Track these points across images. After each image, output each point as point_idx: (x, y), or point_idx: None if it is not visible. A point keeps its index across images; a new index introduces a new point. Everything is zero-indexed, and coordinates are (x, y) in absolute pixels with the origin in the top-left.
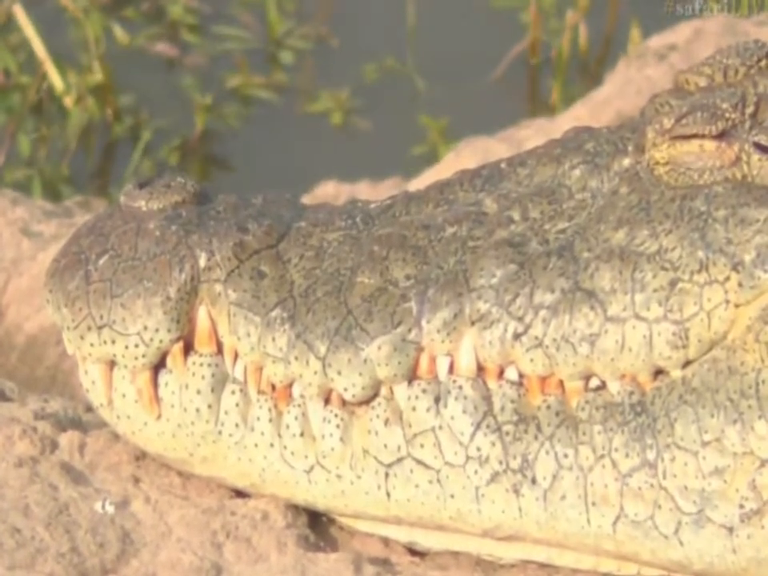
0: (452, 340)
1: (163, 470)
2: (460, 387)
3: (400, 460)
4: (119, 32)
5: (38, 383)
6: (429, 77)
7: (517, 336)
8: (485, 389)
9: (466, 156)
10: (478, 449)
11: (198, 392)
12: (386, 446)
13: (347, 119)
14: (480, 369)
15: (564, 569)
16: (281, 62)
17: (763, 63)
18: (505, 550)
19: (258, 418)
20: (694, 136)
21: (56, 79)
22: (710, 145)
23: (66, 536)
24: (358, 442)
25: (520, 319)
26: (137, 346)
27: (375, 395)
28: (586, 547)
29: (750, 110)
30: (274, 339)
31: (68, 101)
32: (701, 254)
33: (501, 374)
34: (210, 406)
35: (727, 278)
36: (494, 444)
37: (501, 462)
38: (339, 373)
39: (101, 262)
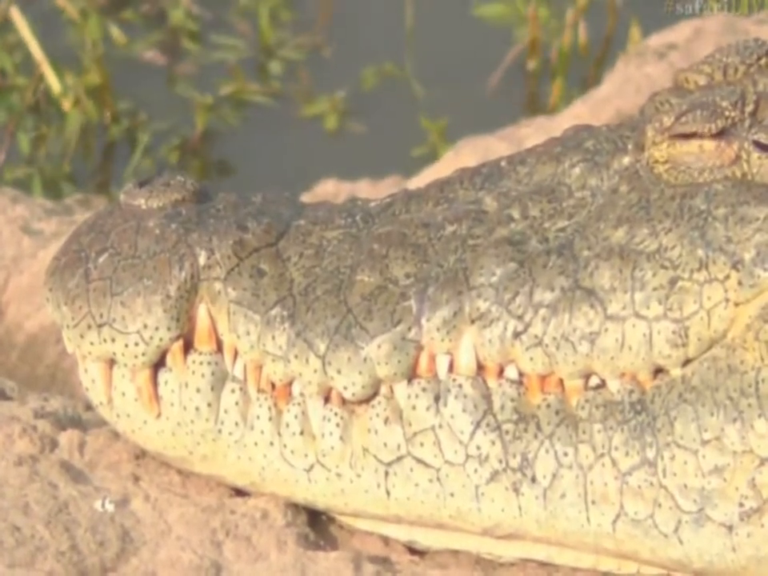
0: (452, 338)
1: (163, 469)
2: (460, 386)
3: (400, 459)
4: (116, 33)
5: (37, 382)
6: (427, 81)
7: (517, 334)
8: (485, 387)
9: (466, 154)
10: (478, 447)
11: (198, 390)
12: (385, 444)
13: (344, 122)
14: (480, 367)
15: (564, 567)
16: (270, 72)
17: (763, 62)
18: (504, 549)
19: (258, 417)
20: (694, 134)
21: (53, 81)
22: (709, 145)
23: (66, 534)
24: (357, 441)
25: (520, 318)
26: (136, 344)
27: (375, 394)
28: (586, 546)
29: (749, 108)
30: (273, 337)
31: (65, 103)
32: (701, 252)
33: (501, 372)
34: (209, 405)
35: (727, 277)
36: (493, 443)
37: (500, 461)
38: (339, 371)
39: (101, 260)
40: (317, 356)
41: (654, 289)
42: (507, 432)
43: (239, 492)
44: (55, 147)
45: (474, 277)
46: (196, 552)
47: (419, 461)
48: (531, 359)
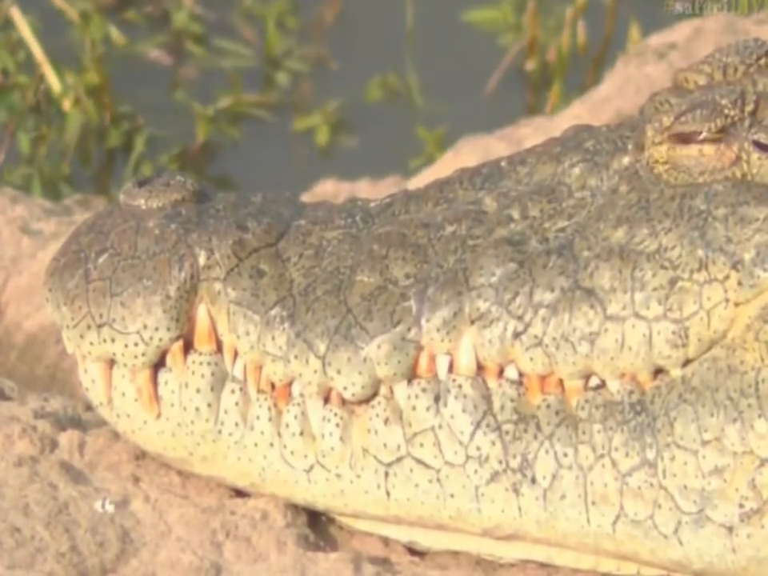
0: (452, 339)
1: (163, 469)
2: (460, 386)
3: (400, 459)
4: (116, 34)
5: (37, 382)
6: (425, 87)
7: (516, 335)
8: (484, 388)
9: (466, 154)
10: (478, 448)
11: (198, 391)
12: (385, 445)
13: (337, 134)
14: (480, 368)
15: (564, 568)
16: (276, 83)
17: (763, 62)
18: (504, 550)
19: (258, 417)
20: (694, 133)
21: (54, 81)
22: (709, 149)
23: (66, 535)
24: (357, 441)
25: (520, 318)
26: (136, 344)
27: (375, 394)
28: (586, 547)
29: (749, 107)
30: (273, 338)
31: (66, 103)
32: (700, 252)
33: (500, 372)
34: (209, 405)
35: (727, 277)
36: (493, 443)
37: (500, 462)
38: (339, 372)
39: (100, 260)
40: (317, 356)
41: (654, 289)
42: (507, 432)
43: (239, 493)
44: (55, 147)
45: (473, 277)
46: (196, 553)
47: (419, 461)
48: (531, 359)
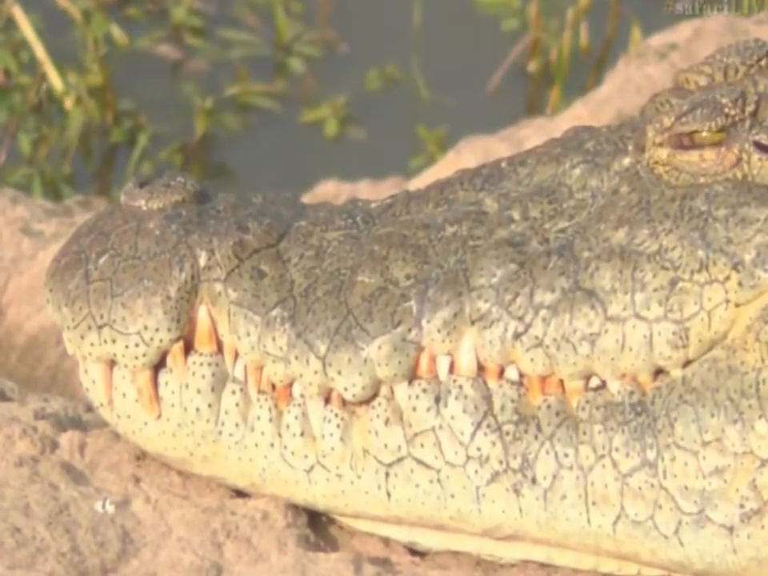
0: (452, 340)
1: (163, 470)
2: (460, 387)
3: (400, 460)
4: (119, 34)
5: (38, 383)
6: (429, 85)
7: (517, 335)
8: (485, 388)
9: (466, 155)
10: (479, 448)
11: (199, 391)
12: (386, 445)
13: (344, 127)
14: (480, 368)
15: (564, 569)
16: (290, 69)
17: (763, 62)
18: (505, 550)
19: (259, 418)
20: (695, 132)
21: (56, 80)
22: (710, 154)
23: (67, 535)
24: (358, 442)
25: (520, 319)
26: (137, 345)
27: (375, 395)
28: (587, 547)
29: (750, 108)
30: (274, 338)
31: (68, 102)
32: (701, 253)
33: (501, 373)
34: (210, 406)
35: (727, 278)
36: (494, 444)
37: (501, 462)
38: (339, 372)
39: (101, 261)
40: (317, 357)
41: (655, 290)
42: (508, 433)
43: (240, 493)
44: (57, 147)
45: (474, 278)
46: (196, 553)
47: (420, 462)
48: (532, 360)
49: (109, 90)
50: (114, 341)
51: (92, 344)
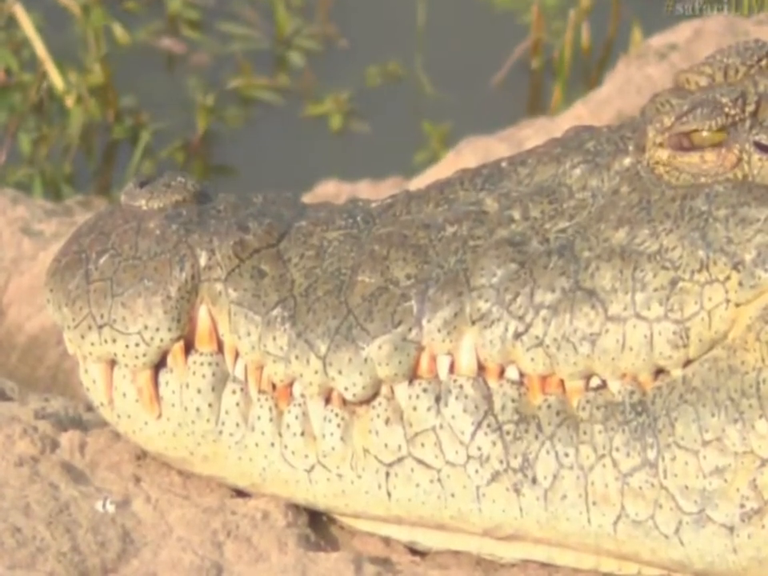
0: (452, 339)
1: (164, 469)
2: (461, 386)
3: (401, 459)
4: (119, 32)
5: (38, 383)
6: (431, 80)
7: (517, 335)
8: (485, 388)
9: (467, 155)
10: (479, 448)
11: (199, 391)
12: (386, 445)
13: (348, 122)
14: (481, 368)
15: (564, 568)
16: (289, 63)
17: (764, 63)
18: (505, 550)
19: (259, 418)
20: (695, 132)
21: (56, 79)
22: (710, 155)
23: (67, 535)
24: (358, 442)
25: (521, 318)
26: (137, 345)
27: (376, 394)
28: (587, 547)
29: (750, 108)
30: (274, 338)
31: (69, 101)
32: (701, 253)
33: (501, 373)
34: (210, 405)
35: (728, 278)
36: (494, 443)
37: (501, 462)
38: (340, 372)
39: (101, 261)
40: (318, 357)
41: (655, 290)
42: (508, 433)
43: (240, 493)
44: (57, 146)
45: (474, 278)
46: (197, 553)
47: (420, 461)
48: (532, 360)
49: (110, 88)
50: (114, 340)
51: (92, 344)
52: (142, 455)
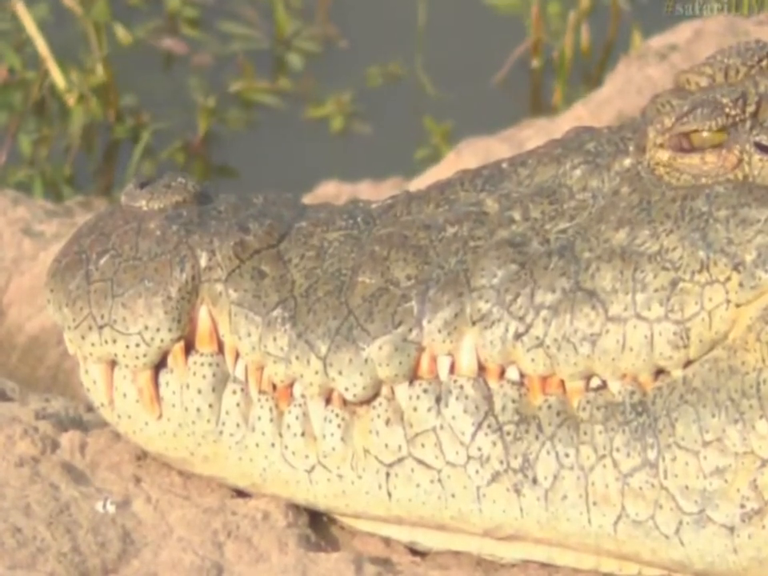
0: (453, 340)
1: (164, 470)
2: (461, 387)
3: (401, 460)
4: (121, 31)
5: (39, 383)
6: (432, 80)
7: (518, 336)
8: (486, 389)
9: (467, 156)
10: (479, 448)
11: (199, 391)
12: (387, 445)
13: (349, 123)
14: (481, 369)
15: (565, 569)
16: (289, 65)
17: (764, 63)
18: (506, 550)
19: (259, 418)
20: (695, 132)
21: (58, 77)
22: (711, 157)
23: (67, 536)
24: (359, 442)
25: (521, 319)
26: (138, 345)
27: (376, 395)
28: (587, 547)
29: (751, 108)
30: (275, 339)
31: (70, 99)
32: (702, 253)
33: (502, 373)
34: (210, 406)
35: (728, 278)
36: (495, 444)
37: (502, 462)
38: (340, 372)
39: (102, 261)
40: (318, 357)
41: (656, 290)
42: (508, 433)
43: (240, 493)
44: (58, 147)
45: (475, 278)
46: (197, 553)
47: (420, 462)
48: (532, 360)
49: (112, 88)
50: (114, 341)
51: (93, 344)
52: (142, 456)
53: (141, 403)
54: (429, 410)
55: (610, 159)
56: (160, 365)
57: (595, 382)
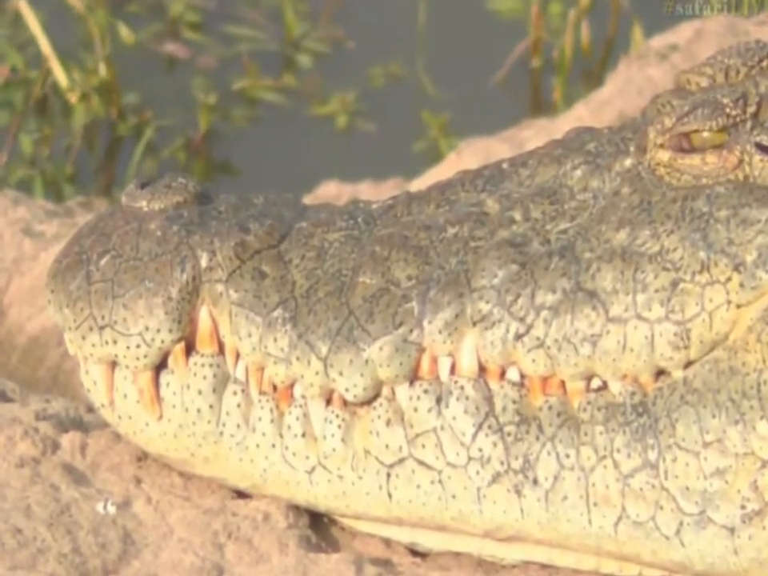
0: (453, 341)
1: (165, 471)
2: (461, 388)
3: (401, 461)
4: (125, 31)
5: (39, 384)
6: (433, 80)
7: (518, 336)
8: (486, 389)
9: (468, 156)
10: (480, 449)
11: (200, 392)
12: (387, 446)
13: (353, 121)
14: (481, 369)
15: (565, 569)
16: (298, 65)
17: (764, 63)
18: (506, 551)
19: (260, 419)
20: (696, 132)
21: (60, 76)
22: (711, 158)
23: (68, 536)
24: (359, 443)
25: (522, 320)
26: (138, 346)
27: (377, 396)
28: (588, 548)
29: (751, 108)
30: (275, 339)
31: (72, 98)
32: (702, 254)
33: (502, 374)
34: (211, 407)
35: (729, 279)
36: (495, 445)
37: (502, 463)
38: (341, 373)
39: (102, 262)
40: (318, 358)
41: (656, 291)
42: (509, 434)
43: (241, 494)
44: (59, 146)
45: (475, 279)
46: (198, 554)
47: (421, 463)
48: (533, 361)
49: (114, 87)
50: (115, 342)
51: (93, 345)
52: (142, 456)
53: (141, 404)
54: (429, 410)
55: (611, 160)
56: (161, 366)
57: (596, 383)
